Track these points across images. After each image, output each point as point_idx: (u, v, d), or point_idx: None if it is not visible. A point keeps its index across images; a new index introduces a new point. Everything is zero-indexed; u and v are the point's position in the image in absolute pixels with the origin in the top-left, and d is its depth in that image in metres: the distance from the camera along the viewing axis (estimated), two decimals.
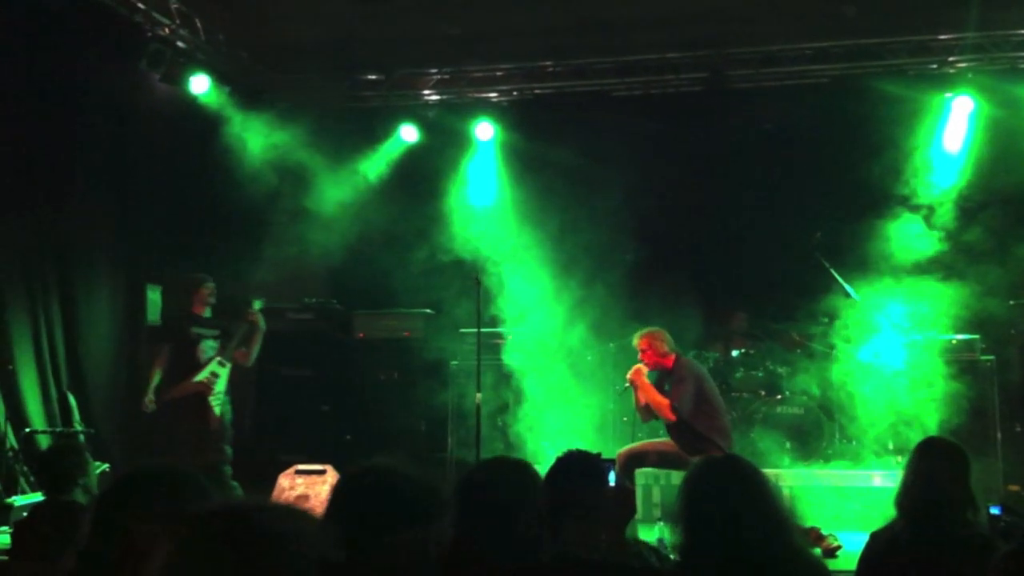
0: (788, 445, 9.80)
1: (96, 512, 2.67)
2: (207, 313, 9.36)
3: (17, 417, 9.05)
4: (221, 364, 9.19)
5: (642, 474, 9.02)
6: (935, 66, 10.83)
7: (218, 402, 9.09)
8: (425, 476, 2.66)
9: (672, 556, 7.18)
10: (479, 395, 9.32)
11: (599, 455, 4.06)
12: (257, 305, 9.45)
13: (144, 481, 2.73)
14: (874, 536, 4.29)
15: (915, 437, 9.39)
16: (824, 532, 7.54)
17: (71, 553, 2.65)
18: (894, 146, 10.43)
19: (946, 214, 10.34)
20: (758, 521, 3.03)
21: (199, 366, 9.14)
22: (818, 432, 9.96)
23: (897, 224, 10.19)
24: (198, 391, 9.06)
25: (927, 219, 10.25)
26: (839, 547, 7.40)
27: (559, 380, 10.43)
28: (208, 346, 9.22)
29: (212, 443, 8.94)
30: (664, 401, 8.32)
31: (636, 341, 8.59)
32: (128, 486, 2.74)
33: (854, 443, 9.90)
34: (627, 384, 8.61)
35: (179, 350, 9.16)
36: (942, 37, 10.61)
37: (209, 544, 1.77)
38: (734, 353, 10.79)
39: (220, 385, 9.13)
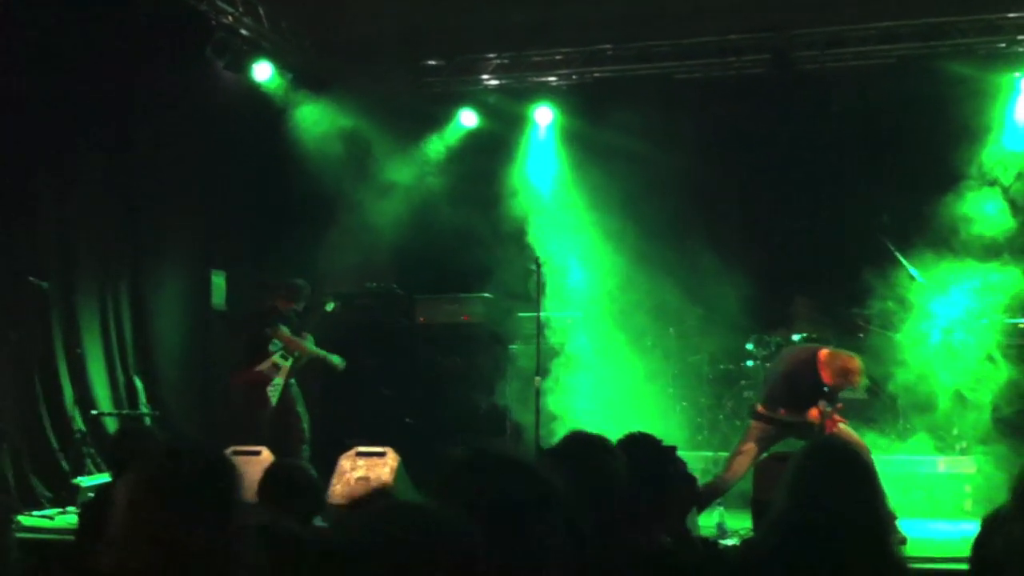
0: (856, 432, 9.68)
1: (135, 489, 2.73)
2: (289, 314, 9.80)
3: (85, 400, 9.26)
4: (284, 357, 9.59)
5: (700, 459, 8.94)
6: (1004, 45, 10.58)
7: (275, 392, 9.43)
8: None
9: (731, 541, 7.15)
10: (538, 378, 9.31)
11: (661, 441, 4.02)
12: (329, 307, 10.11)
13: (182, 462, 2.79)
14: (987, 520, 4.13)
15: (981, 423, 9.27)
16: None
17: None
18: (963, 127, 10.21)
19: (1017, 195, 10.13)
20: (864, 515, 2.99)
21: (264, 356, 9.51)
22: (882, 417, 9.83)
23: (965, 206, 9.98)
24: (260, 380, 9.42)
25: (996, 201, 10.04)
26: (904, 540, 7.24)
27: (619, 364, 10.40)
28: (276, 343, 9.63)
29: (276, 427, 9.37)
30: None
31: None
32: (167, 466, 2.79)
33: (918, 428, 9.75)
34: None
35: (253, 340, 9.62)
36: (1012, 15, 10.34)
37: None
38: (795, 337, 10.65)
39: (279, 377, 9.48)
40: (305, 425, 9.61)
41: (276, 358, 9.54)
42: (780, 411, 7.90)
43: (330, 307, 10.15)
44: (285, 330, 9.60)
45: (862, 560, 2.98)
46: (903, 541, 7.18)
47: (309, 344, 9.71)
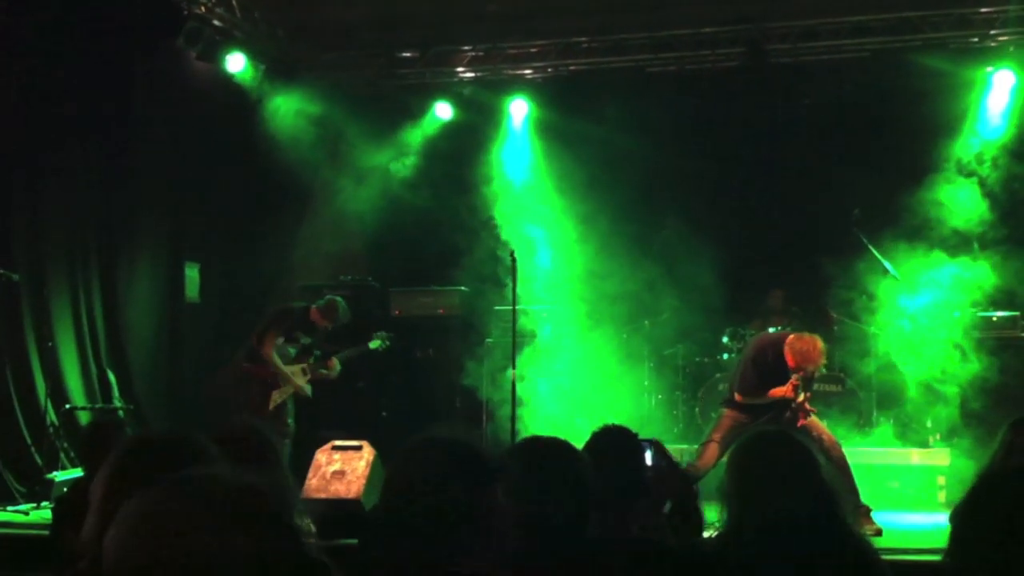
0: (824, 423, 9.73)
1: (109, 480, 2.69)
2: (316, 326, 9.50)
3: (57, 393, 9.18)
4: (304, 373, 9.34)
5: (675, 451, 8.93)
6: (976, 40, 10.64)
7: (278, 397, 9.14)
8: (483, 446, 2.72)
9: (707, 533, 7.16)
10: (514, 371, 9.31)
11: (636, 434, 4.04)
12: (374, 344, 9.95)
13: (155, 448, 2.75)
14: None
15: (954, 416, 9.34)
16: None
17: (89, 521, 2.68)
18: (934, 121, 10.30)
19: (988, 190, 10.21)
20: (806, 495, 3.01)
21: (288, 361, 9.28)
22: (855, 409, 9.90)
23: (937, 199, 10.08)
24: (267, 378, 9.13)
25: (969, 194, 10.13)
26: (879, 531, 7.30)
27: (593, 357, 10.42)
28: (292, 351, 9.37)
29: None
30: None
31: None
32: (138, 453, 2.76)
33: (891, 420, 9.83)
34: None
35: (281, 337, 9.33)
36: (984, 10, 10.41)
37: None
38: (770, 330, 10.71)
39: (290, 387, 9.18)
40: (291, 421, 9.24)
41: (298, 368, 9.28)
42: (754, 394, 7.93)
43: (375, 345, 9.93)
44: (281, 356, 9.24)
45: (825, 549, 3.00)
46: (878, 532, 7.25)
47: (299, 379, 9.27)
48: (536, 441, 3.27)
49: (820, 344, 7.81)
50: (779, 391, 7.81)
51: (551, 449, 3.15)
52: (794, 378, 7.77)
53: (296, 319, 9.50)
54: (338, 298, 9.65)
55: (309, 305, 9.56)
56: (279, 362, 9.15)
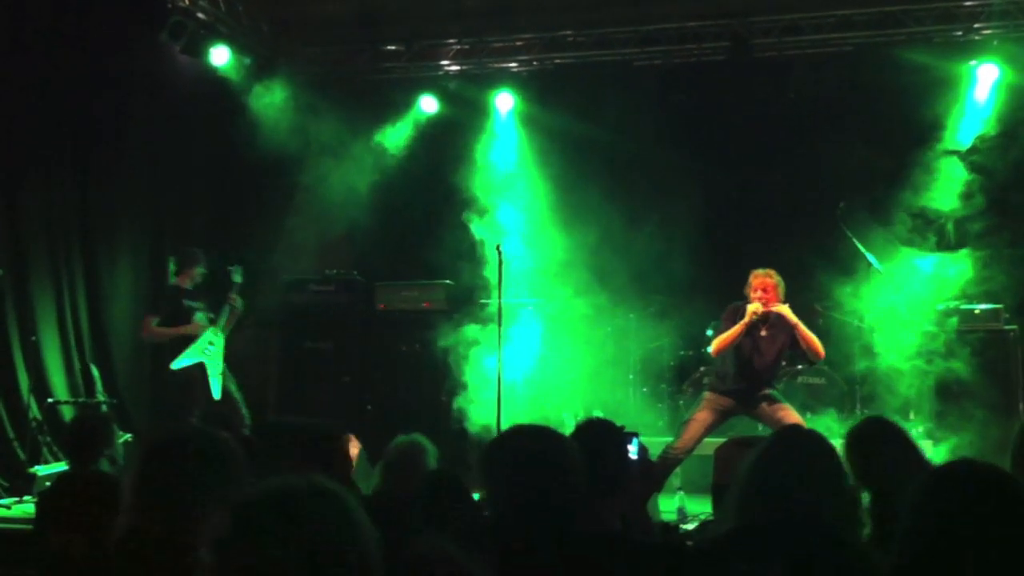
0: (807, 415, 9.77)
1: (140, 482, 2.73)
2: (189, 286, 9.45)
3: (40, 388, 9.16)
4: (215, 334, 9.29)
5: (661, 444, 8.96)
6: (960, 33, 10.68)
7: (216, 373, 9.16)
8: None
9: (691, 526, 7.19)
10: (500, 365, 9.31)
11: (622, 427, 4.04)
12: (237, 277, 9.53)
13: (186, 450, 2.79)
14: None
15: (937, 407, 9.40)
16: None
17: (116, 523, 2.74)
18: (918, 115, 10.33)
19: (971, 184, 10.25)
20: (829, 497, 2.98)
21: (196, 338, 9.23)
22: (838, 402, 9.94)
23: (920, 193, 10.12)
24: (198, 362, 9.14)
25: (951, 189, 10.17)
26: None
27: (579, 350, 10.42)
28: (200, 318, 9.32)
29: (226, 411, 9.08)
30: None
31: (767, 277, 8.12)
32: (171, 455, 2.79)
33: (875, 413, 9.85)
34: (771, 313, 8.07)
35: (175, 324, 9.27)
36: (967, 4, 10.46)
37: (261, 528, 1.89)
38: None
39: (217, 356, 9.21)
40: (244, 411, 9.32)
41: (210, 335, 9.20)
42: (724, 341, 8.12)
43: (238, 278, 9.59)
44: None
45: (827, 554, 2.98)
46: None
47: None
48: (523, 428, 3.26)
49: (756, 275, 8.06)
50: (736, 327, 8.01)
51: (540, 438, 3.14)
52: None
53: (169, 294, 9.49)
54: (185, 248, 9.65)
55: (175, 283, 9.54)
56: (164, 329, 9.19)
